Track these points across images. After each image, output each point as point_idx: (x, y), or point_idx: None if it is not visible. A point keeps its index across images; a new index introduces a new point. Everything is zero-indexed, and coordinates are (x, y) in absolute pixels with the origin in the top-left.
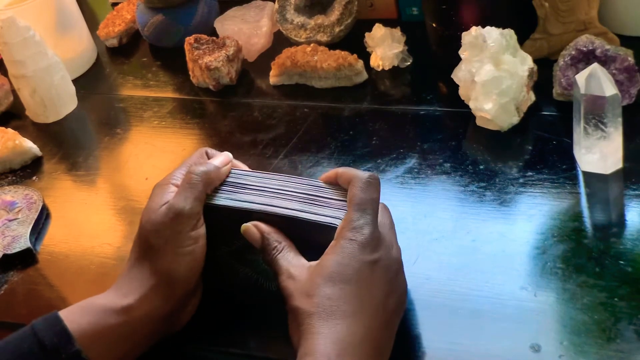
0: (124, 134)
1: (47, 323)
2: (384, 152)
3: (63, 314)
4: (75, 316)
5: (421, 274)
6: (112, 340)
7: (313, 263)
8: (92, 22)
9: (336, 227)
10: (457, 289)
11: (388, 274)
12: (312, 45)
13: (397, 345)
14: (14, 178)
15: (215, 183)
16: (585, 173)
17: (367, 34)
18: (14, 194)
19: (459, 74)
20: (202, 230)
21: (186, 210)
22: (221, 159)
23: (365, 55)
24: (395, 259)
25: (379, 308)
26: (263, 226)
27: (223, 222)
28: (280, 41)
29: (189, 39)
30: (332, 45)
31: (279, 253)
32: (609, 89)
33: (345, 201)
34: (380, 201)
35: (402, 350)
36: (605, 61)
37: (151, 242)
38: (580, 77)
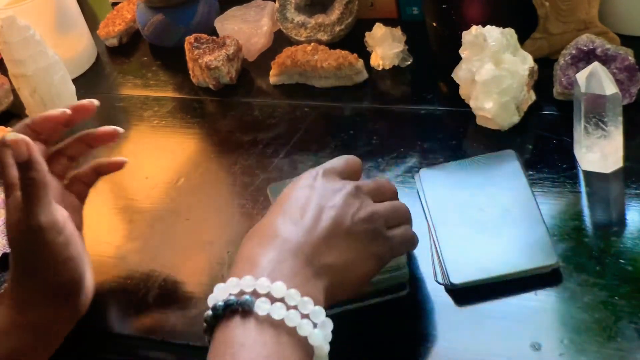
0: (124, 133)
1: None
2: (384, 152)
3: None
4: None
5: (422, 273)
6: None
7: None
8: (92, 21)
9: None
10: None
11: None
12: (312, 44)
13: (397, 343)
14: None
15: (44, 178)
16: (585, 172)
17: (367, 34)
18: None
19: (460, 73)
20: (67, 230)
21: (42, 223)
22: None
23: (365, 55)
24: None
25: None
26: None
27: None
28: (280, 40)
29: (189, 39)
30: (332, 45)
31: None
32: (610, 88)
33: None
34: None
35: (402, 347)
36: (606, 60)
37: (27, 263)
38: (581, 76)
